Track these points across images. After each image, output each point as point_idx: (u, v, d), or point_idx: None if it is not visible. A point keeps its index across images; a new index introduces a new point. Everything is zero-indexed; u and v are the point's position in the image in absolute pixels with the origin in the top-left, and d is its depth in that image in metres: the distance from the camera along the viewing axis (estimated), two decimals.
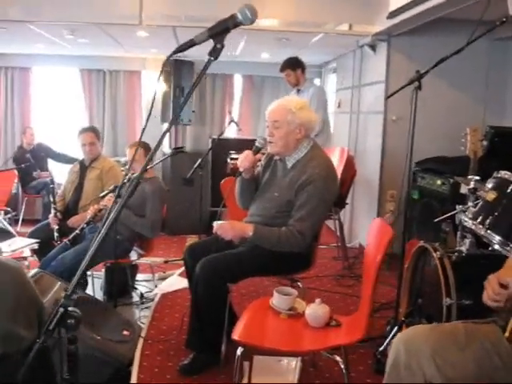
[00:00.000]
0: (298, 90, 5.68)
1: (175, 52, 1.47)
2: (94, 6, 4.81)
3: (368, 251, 2.35)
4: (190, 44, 1.49)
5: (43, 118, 7.76)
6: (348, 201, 5.55)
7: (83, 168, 4.59)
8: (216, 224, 2.85)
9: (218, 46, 1.50)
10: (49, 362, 1.60)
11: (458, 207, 3.16)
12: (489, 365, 1.70)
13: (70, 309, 1.43)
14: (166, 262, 5.23)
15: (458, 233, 3.15)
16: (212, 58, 1.50)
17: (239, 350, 2.24)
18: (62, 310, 1.41)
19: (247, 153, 2.96)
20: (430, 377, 1.67)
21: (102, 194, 3.95)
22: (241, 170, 2.96)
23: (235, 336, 2.21)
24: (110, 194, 3.85)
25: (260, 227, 2.86)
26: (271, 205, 2.96)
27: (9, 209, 6.43)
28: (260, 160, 3.02)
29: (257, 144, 2.97)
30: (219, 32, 1.49)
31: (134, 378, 2.81)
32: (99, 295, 4.18)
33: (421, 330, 1.84)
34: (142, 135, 1.51)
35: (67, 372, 1.48)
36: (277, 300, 2.44)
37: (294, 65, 5.50)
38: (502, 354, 1.71)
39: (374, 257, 2.10)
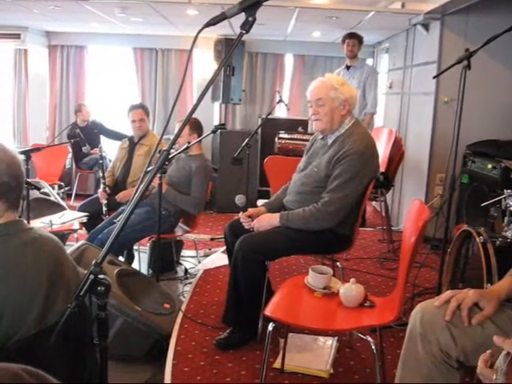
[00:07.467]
0: (348, 68, 5.63)
1: (206, 26, 1.46)
2: None
3: (405, 233, 2.31)
4: (221, 17, 1.48)
5: (97, 95, 7.93)
6: (397, 183, 5.46)
7: (132, 144, 4.70)
8: (243, 217, 3.06)
9: (250, 19, 1.49)
10: (81, 326, 1.65)
11: (506, 192, 3.07)
12: None
13: (100, 276, 1.46)
14: (212, 239, 5.31)
15: (506, 218, 3.05)
16: (244, 32, 1.50)
17: (270, 326, 2.25)
18: (92, 277, 1.44)
19: (242, 218, 3.06)
20: (445, 346, 1.64)
21: (148, 169, 4.03)
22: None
23: (267, 312, 2.22)
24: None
25: (285, 214, 2.89)
26: (309, 180, 2.96)
27: (62, 183, 6.65)
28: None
29: (239, 205, 3.27)
30: (251, 5, 1.48)
31: (171, 350, 2.88)
32: (145, 269, 4.30)
33: None
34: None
35: (97, 338, 1.53)
36: (312, 278, 2.43)
37: (361, 39, 5.59)
38: None
39: (409, 238, 2.06)
